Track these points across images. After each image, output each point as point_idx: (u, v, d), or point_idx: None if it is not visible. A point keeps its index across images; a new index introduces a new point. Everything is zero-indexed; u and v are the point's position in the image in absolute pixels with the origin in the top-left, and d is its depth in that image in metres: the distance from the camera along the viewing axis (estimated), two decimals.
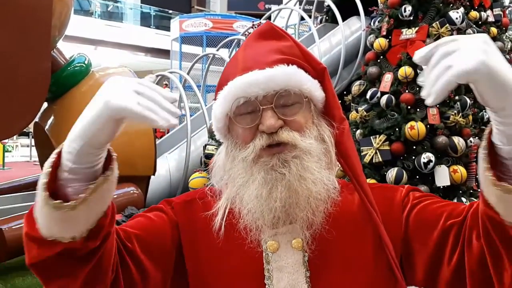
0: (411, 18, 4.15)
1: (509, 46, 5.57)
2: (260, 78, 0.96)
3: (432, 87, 0.71)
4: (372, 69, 4.32)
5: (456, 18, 4.12)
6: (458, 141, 3.85)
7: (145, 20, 21.05)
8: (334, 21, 7.42)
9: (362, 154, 3.99)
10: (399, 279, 0.96)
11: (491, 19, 5.40)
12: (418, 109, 3.93)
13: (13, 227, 4.27)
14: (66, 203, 0.78)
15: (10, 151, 17.68)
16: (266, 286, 0.97)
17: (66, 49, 5.20)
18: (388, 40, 4.27)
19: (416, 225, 0.97)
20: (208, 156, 4.43)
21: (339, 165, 1.04)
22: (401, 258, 0.99)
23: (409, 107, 3.93)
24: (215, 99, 1.06)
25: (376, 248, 0.98)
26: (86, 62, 5.12)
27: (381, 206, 1.00)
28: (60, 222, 0.80)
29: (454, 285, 0.92)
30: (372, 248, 0.98)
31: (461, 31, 4.46)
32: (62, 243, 0.81)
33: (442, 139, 3.83)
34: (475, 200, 3.97)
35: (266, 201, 0.95)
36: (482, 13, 5.30)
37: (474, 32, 4.97)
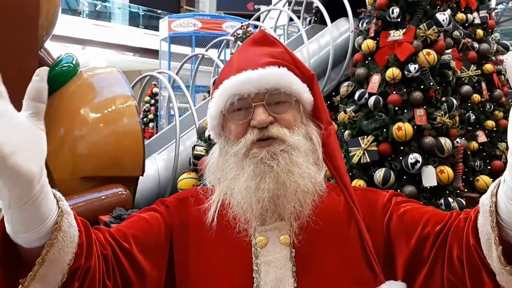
0: (399, 19, 4.19)
1: (494, 48, 5.64)
2: (253, 77, 1.03)
3: None
4: (360, 70, 4.35)
5: (443, 20, 4.16)
6: (445, 141, 3.89)
7: (133, 19, 20.93)
8: (323, 22, 7.44)
9: (350, 154, 4.02)
10: (378, 275, 0.99)
11: (477, 21, 5.48)
12: (405, 110, 3.97)
13: None
14: None
15: None
16: (254, 279, 0.99)
17: (54, 49, 5.16)
18: (376, 41, 4.30)
19: (396, 230, 1.01)
20: (197, 157, 4.41)
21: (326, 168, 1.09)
22: (383, 259, 1.02)
23: (396, 108, 3.96)
24: (210, 98, 1.11)
25: (359, 245, 1.01)
26: (74, 62, 5.08)
27: (364, 208, 1.04)
28: None
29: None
30: (355, 245, 1.02)
31: (448, 33, 4.51)
32: None
33: (429, 139, 3.87)
34: (461, 200, 3.97)
35: (254, 193, 1.00)
36: (469, 15, 5.38)
37: (461, 34, 5.03)
